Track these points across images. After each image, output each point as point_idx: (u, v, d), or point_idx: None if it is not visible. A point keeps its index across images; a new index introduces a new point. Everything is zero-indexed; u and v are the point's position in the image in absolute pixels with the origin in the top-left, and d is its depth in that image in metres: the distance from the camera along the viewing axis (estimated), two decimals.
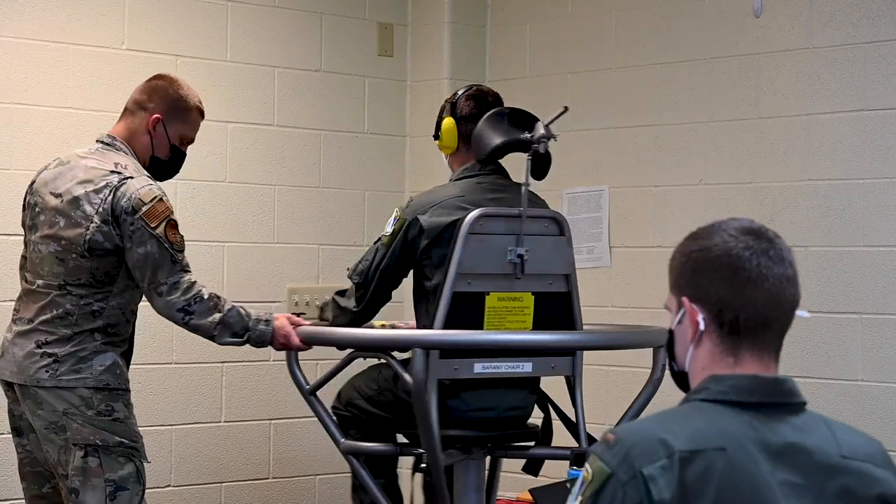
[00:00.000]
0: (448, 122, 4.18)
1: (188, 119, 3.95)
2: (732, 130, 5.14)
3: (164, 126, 3.91)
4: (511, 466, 4.45)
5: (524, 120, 4.02)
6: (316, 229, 5.61)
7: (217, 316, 3.83)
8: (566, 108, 4.02)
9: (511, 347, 3.94)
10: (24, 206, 3.99)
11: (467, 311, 3.91)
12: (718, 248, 2.02)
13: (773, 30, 5.02)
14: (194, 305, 3.80)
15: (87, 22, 5.01)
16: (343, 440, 4.05)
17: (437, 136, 4.23)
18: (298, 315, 4.10)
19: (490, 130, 3.99)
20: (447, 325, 3.87)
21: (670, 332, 2.11)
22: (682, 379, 2.11)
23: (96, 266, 3.77)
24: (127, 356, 3.89)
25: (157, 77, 4.02)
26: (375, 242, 4.08)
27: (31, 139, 4.86)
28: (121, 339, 3.85)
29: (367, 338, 3.98)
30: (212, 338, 3.88)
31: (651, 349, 4.15)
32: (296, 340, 3.98)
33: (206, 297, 3.82)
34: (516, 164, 4.09)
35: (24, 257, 3.97)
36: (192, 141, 4.01)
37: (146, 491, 3.84)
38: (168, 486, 5.18)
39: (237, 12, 5.39)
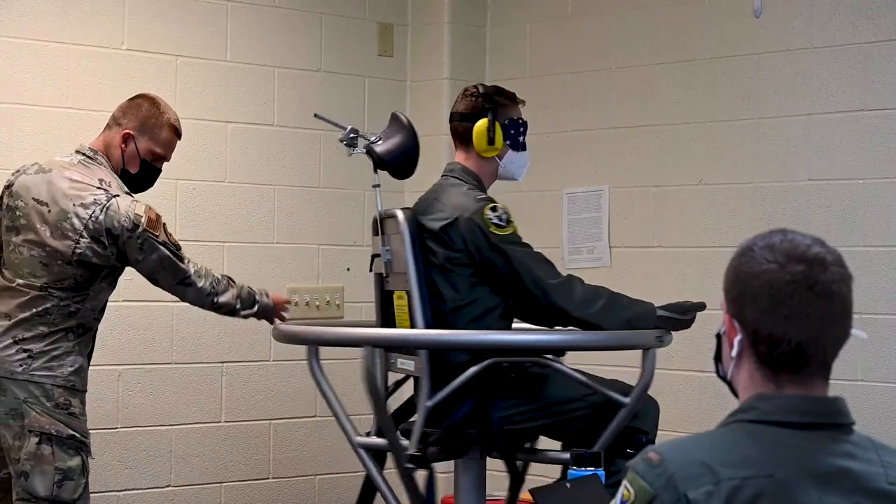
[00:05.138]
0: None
1: (158, 136, 4.12)
2: (732, 130, 5.14)
3: (133, 141, 4.09)
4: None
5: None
6: (316, 229, 5.60)
7: (234, 291, 4.15)
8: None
9: (504, 347, 3.94)
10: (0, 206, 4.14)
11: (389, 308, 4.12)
12: (764, 276, 1.95)
13: (773, 30, 5.02)
14: (217, 286, 4.12)
15: (87, 22, 5.01)
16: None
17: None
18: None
19: None
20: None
21: (718, 336, 2.06)
22: (727, 383, 2.06)
23: (80, 273, 3.97)
24: (89, 355, 4.09)
25: (139, 96, 4.19)
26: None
27: (31, 139, 4.86)
28: (89, 339, 4.06)
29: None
30: (232, 311, 4.19)
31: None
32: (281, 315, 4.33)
33: (218, 276, 4.15)
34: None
35: None
36: (164, 158, 4.17)
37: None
38: (168, 486, 5.18)
39: (237, 12, 5.39)
